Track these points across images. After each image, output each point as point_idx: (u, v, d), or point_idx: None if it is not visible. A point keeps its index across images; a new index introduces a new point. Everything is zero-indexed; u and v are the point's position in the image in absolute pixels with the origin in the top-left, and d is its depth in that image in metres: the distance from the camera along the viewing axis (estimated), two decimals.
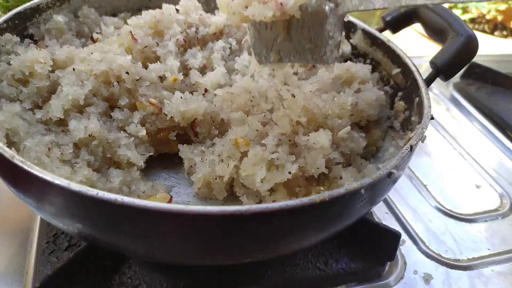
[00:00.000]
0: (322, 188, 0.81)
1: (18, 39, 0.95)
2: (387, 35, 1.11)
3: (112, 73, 0.90)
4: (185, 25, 1.11)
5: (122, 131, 0.89)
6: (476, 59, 0.98)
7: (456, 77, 1.66)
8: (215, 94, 0.97)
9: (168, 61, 1.01)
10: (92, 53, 0.93)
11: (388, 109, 1.04)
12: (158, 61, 1.01)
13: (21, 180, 0.66)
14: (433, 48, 1.98)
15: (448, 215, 1.13)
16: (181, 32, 1.09)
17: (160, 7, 1.24)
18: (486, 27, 2.31)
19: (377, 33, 1.10)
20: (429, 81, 0.95)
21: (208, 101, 0.95)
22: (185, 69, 1.06)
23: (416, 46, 1.98)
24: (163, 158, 0.97)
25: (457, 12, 2.46)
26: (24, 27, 1.00)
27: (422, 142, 0.78)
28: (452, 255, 1.02)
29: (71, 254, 0.81)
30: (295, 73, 1.03)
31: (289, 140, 0.84)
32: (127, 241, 0.65)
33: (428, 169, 1.27)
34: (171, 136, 0.94)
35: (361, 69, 1.04)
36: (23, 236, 0.95)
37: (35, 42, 1.02)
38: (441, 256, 1.02)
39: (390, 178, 0.70)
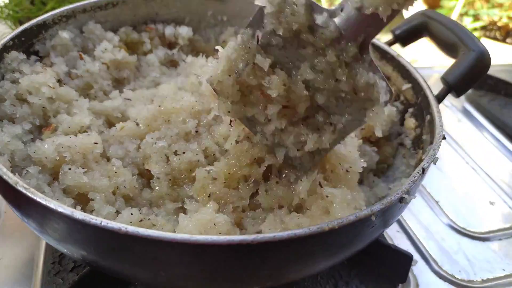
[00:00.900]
0: None
1: (24, 56, 0.95)
2: (396, 49, 1.09)
3: None
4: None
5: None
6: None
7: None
8: None
9: None
10: None
11: (399, 125, 1.02)
12: None
13: (25, 206, 0.65)
14: (443, 57, 1.95)
15: (461, 233, 1.10)
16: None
17: (167, 22, 1.24)
18: (497, 34, 2.28)
19: (386, 47, 1.09)
20: (440, 98, 0.93)
21: None
22: None
23: (426, 55, 1.96)
24: None
25: (468, 19, 2.43)
26: (30, 44, 1.00)
27: (434, 164, 0.76)
28: (466, 276, 1.00)
29: (77, 276, 0.80)
30: None
31: None
32: (131, 268, 0.64)
33: (440, 184, 1.24)
34: None
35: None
36: (29, 256, 0.94)
37: (41, 58, 1.01)
38: (454, 277, 0.99)
39: (401, 203, 0.68)
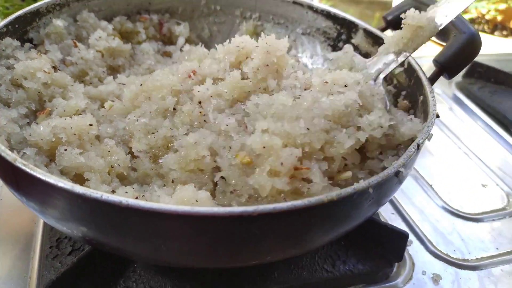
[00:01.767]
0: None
1: (18, 43, 0.94)
2: (388, 35, 1.10)
3: None
4: None
5: None
6: (477, 58, 0.97)
7: (459, 77, 1.65)
8: None
9: None
10: None
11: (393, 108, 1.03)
12: None
13: (24, 184, 0.65)
14: (433, 48, 1.97)
15: (455, 215, 1.12)
16: None
17: (161, 12, 1.25)
18: (486, 27, 2.30)
19: (379, 33, 1.10)
20: (432, 80, 0.94)
21: None
22: None
23: None
24: None
25: None
26: (24, 31, 1.00)
27: (429, 140, 0.77)
28: (461, 255, 1.01)
29: (75, 258, 0.81)
30: None
31: None
32: (132, 243, 0.64)
33: (434, 169, 1.26)
34: None
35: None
36: (26, 242, 0.94)
37: (35, 46, 1.01)
38: (449, 256, 1.00)
39: (397, 177, 0.69)
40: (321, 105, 0.77)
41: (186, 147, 0.76)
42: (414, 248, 1.01)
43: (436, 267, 0.97)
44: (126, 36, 1.19)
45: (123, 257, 0.83)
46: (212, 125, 0.82)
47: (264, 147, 0.69)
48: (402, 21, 0.90)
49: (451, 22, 0.96)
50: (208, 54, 1.05)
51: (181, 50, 1.20)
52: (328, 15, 1.17)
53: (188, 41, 1.26)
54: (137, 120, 0.85)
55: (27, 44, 0.99)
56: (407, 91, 0.99)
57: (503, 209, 1.15)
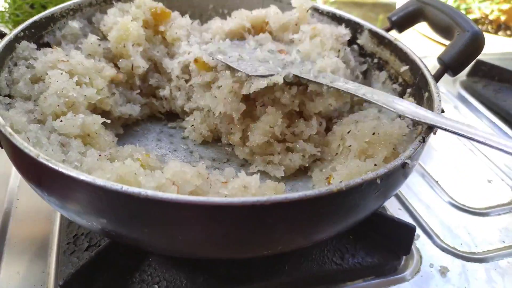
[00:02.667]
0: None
1: (35, 46, 0.98)
2: (393, 35, 1.13)
3: None
4: None
5: None
6: (481, 57, 1.00)
7: (463, 75, 1.67)
8: None
9: None
10: None
11: None
12: None
13: (46, 178, 0.68)
14: (436, 49, 2.00)
15: (462, 209, 1.14)
16: None
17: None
18: (489, 27, 2.32)
19: (383, 33, 1.12)
20: (437, 77, 0.96)
21: None
22: None
23: (419, 47, 2.00)
24: None
25: None
26: (40, 35, 1.03)
27: (434, 134, 0.79)
28: (468, 248, 1.03)
29: (93, 253, 0.83)
30: None
31: None
32: (149, 234, 0.67)
33: (440, 165, 1.28)
34: None
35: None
36: (43, 239, 0.97)
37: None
38: (456, 249, 1.02)
39: (404, 169, 0.71)
40: None
41: None
42: (421, 242, 1.03)
43: (444, 260, 0.99)
44: None
45: (139, 250, 0.86)
46: None
47: None
48: None
49: (455, 21, 0.99)
50: None
51: None
52: (333, 17, 1.20)
53: None
54: None
55: (44, 49, 1.02)
56: (412, 89, 1.02)
57: (509, 203, 1.17)
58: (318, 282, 0.91)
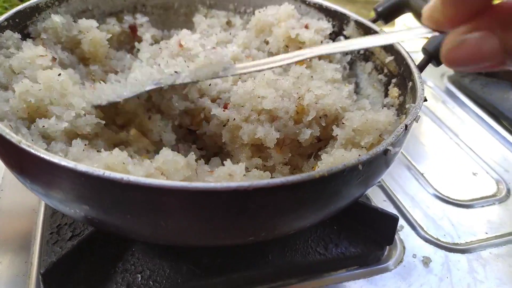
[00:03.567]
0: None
1: (19, 36, 0.97)
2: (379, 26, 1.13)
3: None
4: None
5: None
6: None
7: (451, 70, 1.68)
8: None
9: None
10: None
11: (383, 97, 1.06)
12: None
13: (28, 165, 0.68)
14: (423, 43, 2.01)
15: (446, 201, 1.15)
16: None
17: (156, 6, 1.27)
18: None
19: (370, 24, 1.12)
20: (421, 67, 0.97)
21: None
22: None
23: (408, 43, 2.01)
24: None
25: None
26: (24, 25, 1.02)
27: (417, 122, 0.80)
28: (451, 239, 1.04)
29: (75, 242, 0.83)
30: None
31: None
32: (132, 221, 0.66)
33: (425, 158, 1.29)
34: None
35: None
36: (27, 230, 0.97)
37: (33, 40, 1.03)
38: (439, 240, 1.03)
39: (386, 155, 0.72)
40: None
41: None
42: (405, 233, 1.04)
43: (426, 251, 1.00)
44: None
45: (123, 238, 0.86)
46: None
47: None
48: None
49: None
50: None
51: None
52: (320, 8, 1.20)
53: None
54: None
55: (29, 40, 1.01)
56: (397, 79, 1.02)
57: (493, 196, 1.18)
58: (302, 272, 0.92)
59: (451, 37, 0.55)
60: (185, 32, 1.13)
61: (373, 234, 0.96)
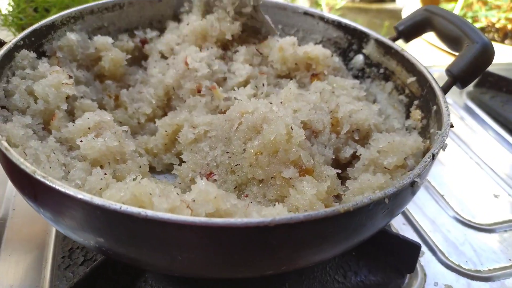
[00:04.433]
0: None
1: (34, 55, 0.96)
2: (400, 45, 1.10)
3: None
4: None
5: None
6: (489, 68, 0.97)
7: (470, 86, 1.64)
8: None
9: None
10: None
11: (404, 118, 1.04)
12: None
13: (42, 195, 0.66)
14: (443, 58, 1.98)
15: (467, 225, 1.11)
16: None
17: (172, 18, 1.26)
18: (496, 36, 2.30)
19: (390, 43, 1.10)
20: (445, 89, 0.94)
21: None
22: None
23: (425, 56, 1.98)
24: None
25: None
26: (40, 44, 1.01)
27: (444, 150, 0.77)
28: (473, 266, 1.00)
29: (88, 269, 0.81)
30: None
31: None
32: (149, 254, 0.64)
33: (445, 179, 1.25)
34: None
35: None
36: (38, 251, 0.95)
37: (48, 58, 1.02)
38: (461, 267, 1.00)
39: (412, 187, 0.69)
40: None
41: None
42: (425, 259, 1.00)
43: (448, 278, 0.97)
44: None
45: (136, 268, 0.84)
46: None
47: None
48: None
49: (464, 32, 0.96)
50: None
51: None
52: (339, 26, 1.18)
53: None
54: None
55: (45, 59, 1.00)
56: (420, 101, 1.00)
57: None
58: None
59: None
60: (192, 49, 1.11)
61: (393, 261, 0.93)
